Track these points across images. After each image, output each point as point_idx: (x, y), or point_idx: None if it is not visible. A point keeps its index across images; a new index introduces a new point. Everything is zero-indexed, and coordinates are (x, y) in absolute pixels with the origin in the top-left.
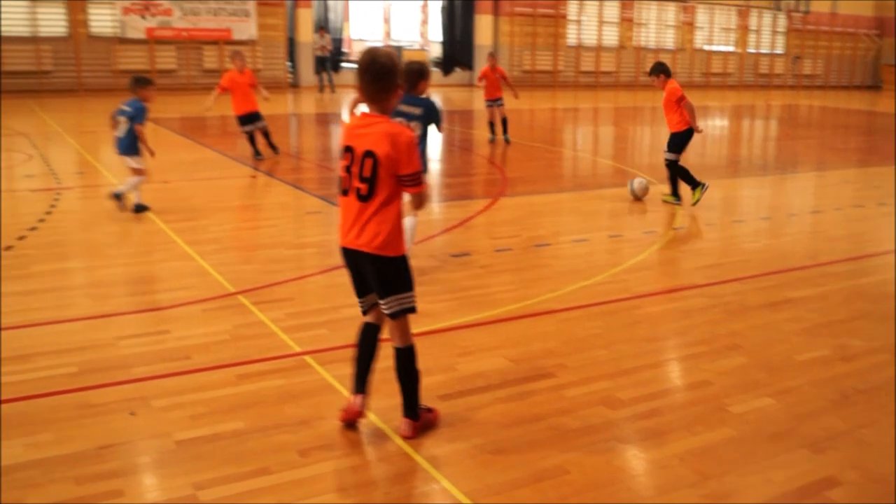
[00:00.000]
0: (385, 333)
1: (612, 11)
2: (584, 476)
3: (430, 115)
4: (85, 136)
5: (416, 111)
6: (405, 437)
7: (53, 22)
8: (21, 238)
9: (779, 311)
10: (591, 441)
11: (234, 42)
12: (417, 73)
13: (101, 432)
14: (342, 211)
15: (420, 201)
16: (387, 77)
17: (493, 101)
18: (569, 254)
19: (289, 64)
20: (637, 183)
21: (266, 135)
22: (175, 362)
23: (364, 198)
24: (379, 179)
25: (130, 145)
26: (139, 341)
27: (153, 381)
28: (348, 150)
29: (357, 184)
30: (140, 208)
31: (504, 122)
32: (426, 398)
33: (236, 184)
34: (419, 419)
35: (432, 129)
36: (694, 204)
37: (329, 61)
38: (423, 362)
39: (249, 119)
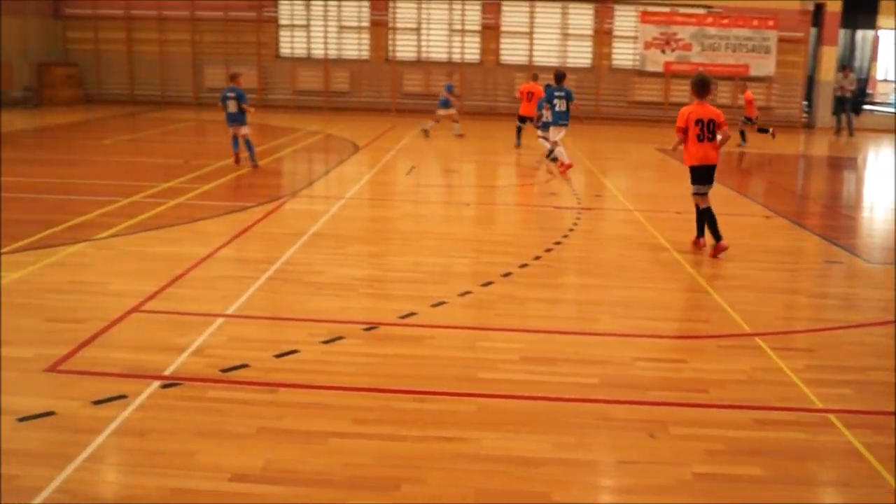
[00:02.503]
0: None
1: None
2: None
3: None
4: (601, 161)
5: None
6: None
7: (580, 54)
8: (548, 250)
9: None
10: None
11: (749, 78)
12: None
13: (621, 447)
14: (703, 149)
15: (724, 141)
16: (707, 85)
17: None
18: None
19: (804, 103)
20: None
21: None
22: (692, 393)
23: (711, 140)
24: (716, 131)
25: None
26: (656, 365)
27: (670, 408)
28: (699, 121)
29: (708, 134)
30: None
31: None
32: None
33: (749, 222)
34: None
35: None
36: None
37: (850, 102)
38: None
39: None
